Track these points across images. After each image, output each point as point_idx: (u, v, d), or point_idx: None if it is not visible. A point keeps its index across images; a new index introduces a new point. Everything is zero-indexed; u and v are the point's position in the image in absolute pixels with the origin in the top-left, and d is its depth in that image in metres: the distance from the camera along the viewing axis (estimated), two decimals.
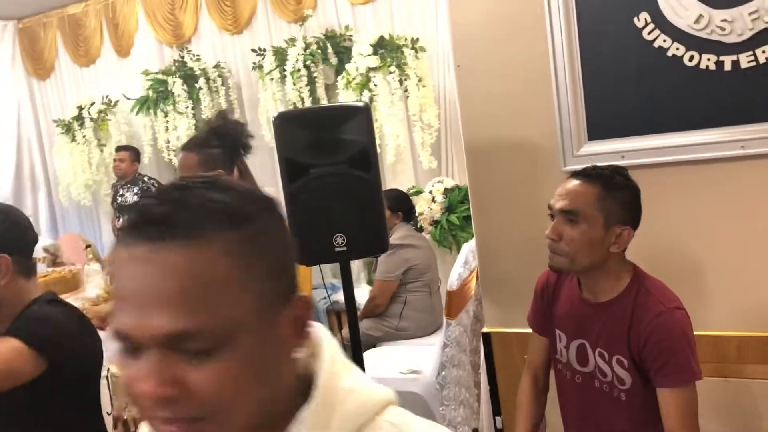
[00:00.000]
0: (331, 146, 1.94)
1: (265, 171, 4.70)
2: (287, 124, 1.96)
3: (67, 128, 6.06)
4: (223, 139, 2.44)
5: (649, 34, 2.10)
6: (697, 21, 2.01)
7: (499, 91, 2.34)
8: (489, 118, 2.37)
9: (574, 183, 1.64)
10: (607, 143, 2.21)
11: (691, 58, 2.04)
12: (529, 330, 1.98)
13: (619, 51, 2.15)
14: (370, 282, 4.61)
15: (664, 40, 2.07)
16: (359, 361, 2.25)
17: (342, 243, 1.96)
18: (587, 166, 1.71)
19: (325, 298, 4.83)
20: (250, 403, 0.63)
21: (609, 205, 1.59)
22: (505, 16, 2.29)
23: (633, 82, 2.15)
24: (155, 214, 0.61)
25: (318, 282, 4.83)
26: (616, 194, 1.61)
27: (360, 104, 2.04)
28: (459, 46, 2.38)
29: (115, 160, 5.49)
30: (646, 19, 2.09)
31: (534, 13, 2.23)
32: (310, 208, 1.96)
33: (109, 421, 1.66)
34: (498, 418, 2.54)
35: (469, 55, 2.36)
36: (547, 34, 2.22)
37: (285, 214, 1.97)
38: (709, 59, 2.02)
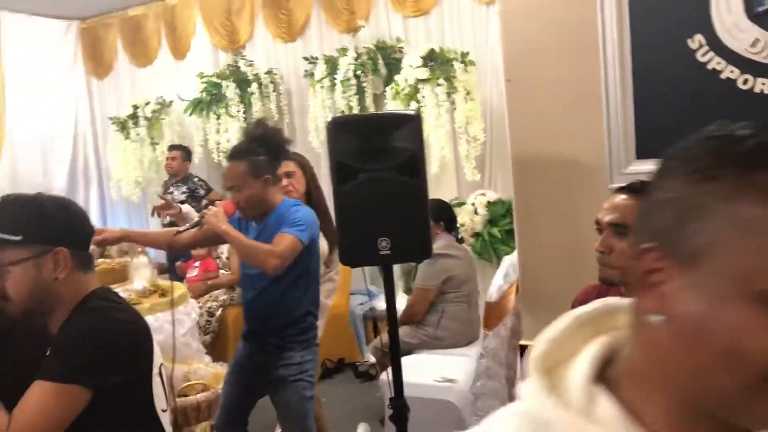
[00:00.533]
0: (381, 152, 1.99)
1: None
2: (340, 129, 2.02)
3: (122, 126, 6.26)
4: (266, 147, 2.56)
5: (703, 56, 2.10)
6: (753, 44, 2.01)
7: (549, 106, 2.36)
8: (537, 133, 2.40)
9: (622, 197, 1.67)
10: (655, 162, 2.21)
11: (745, 82, 2.04)
12: None
13: (671, 71, 2.16)
14: (407, 291, 4.64)
15: (718, 63, 2.08)
16: (397, 366, 2.27)
17: (386, 247, 2.00)
18: (634, 180, 1.73)
19: (362, 303, 4.89)
20: None
21: None
22: (557, 32, 2.32)
23: (684, 103, 2.15)
24: None
25: (356, 287, 4.90)
26: None
27: (411, 113, 2.09)
28: (510, 61, 2.41)
29: (167, 159, 5.66)
30: (700, 41, 2.10)
31: (587, 30, 2.25)
32: (357, 211, 2.01)
33: (165, 417, 1.66)
34: None
35: (520, 69, 2.39)
36: (599, 52, 2.24)
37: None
38: (764, 83, 2.02)
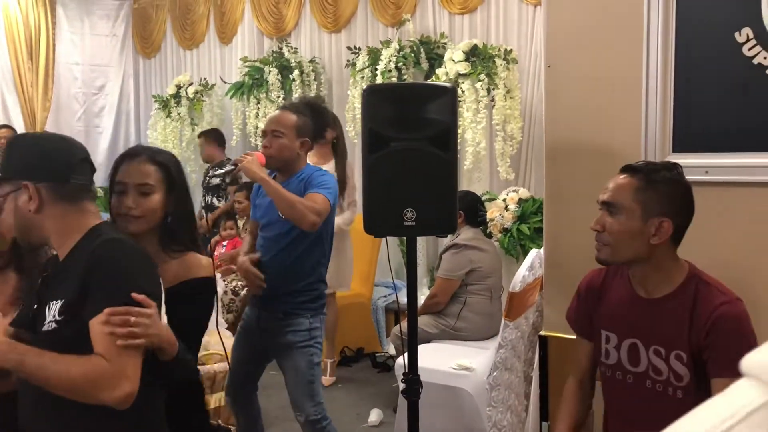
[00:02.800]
0: (414, 122, 1.98)
1: None
2: (375, 96, 2.02)
3: (164, 104, 6.37)
4: (315, 116, 2.65)
5: (750, 50, 2.06)
6: None
7: (587, 94, 2.33)
8: (573, 121, 2.37)
9: (620, 176, 1.70)
10: (691, 157, 2.17)
11: None
12: None
13: (715, 64, 2.12)
14: (431, 287, 4.63)
15: (765, 57, 2.03)
16: (413, 351, 2.26)
17: (411, 218, 2.00)
18: (640, 162, 1.75)
19: (385, 296, 4.88)
20: None
21: (647, 197, 1.64)
22: (601, 21, 2.29)
23: (727, 97, 2.11)
24: None
25: (381, 279, 4.90)
26: (657, 187, 1.65)
27: (447, 85, 2.08)
28: (551, 47, 2.39)
29: (200, 145, 5.74)
30: (748, 35, 2.06)
31: (631, 20, 2.22)
32: (385, 180, 2.01)
33: None
34: (545, 424, 2.50)
35: (561, 56, 2.37)
36: (642, 43, 2.21)
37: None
38: None
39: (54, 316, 1.49)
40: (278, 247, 2.55)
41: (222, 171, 2.64)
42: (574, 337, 2.29)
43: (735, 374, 1.58)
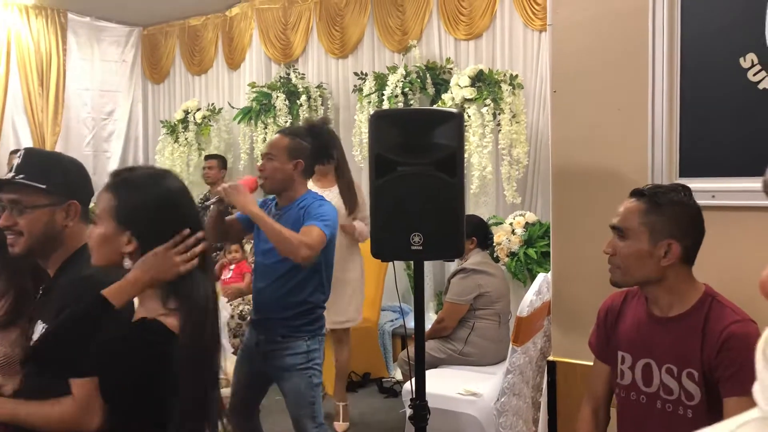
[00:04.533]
0: (421, 147, 2.00)
1: None
2: (382, 121, 2.03)
3: (172, 130, 6.42)
4: (314, 138, 2.67)
5: (755, 75, 2.07)
6: None
7: (593, 119, 2.34)
8: (580, 146, 2.38)
9: (629, 200, 1.75)
10: (698, 181, 2.17)
11: None
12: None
13: (721, 89, 2.13)
14: (438, 312, 4.61)
15: None
16: (421, 376, 2.24)
17: (419, 242, 2.00)
18: (648, 186, 1.79)
19: (392, 320, 4.86)
20: None
21: (653, 220, 1.67)
22: (606, 46, 2.31)
23: (733, 122, 2.11)
24: None
25: (387, 303, 4.88)
26: (663, 210, 1.68)
27: (454, 110, 2.10)
28: (557, 72, 2.41)
29: (204, 168, 5.74)
30: (753, 60, 2.07)
31: (636, 45, 2.24)
32: (392, 204, 2.02)
33: None
34: None
35: (567, 81, 2.39)
36: (647, 67, 2.22)
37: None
38: None
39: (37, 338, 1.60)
40: (275, 275, 2.57)
41: (208, 203, 2.66)
42: (583, 362, 2.27)
43: (746, 393, 1.57)
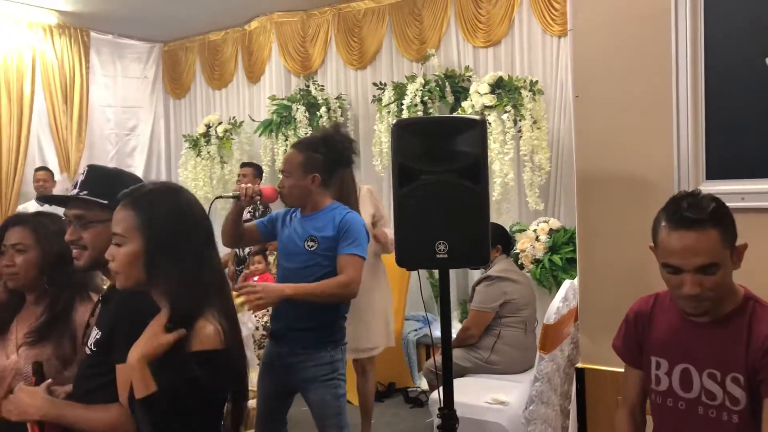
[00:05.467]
0: (444, 155, 1.98)
1: None
2: (404, 130, 2.02)
3: (194, 144, 6.48)
4: (328, 148, 2.66)
5: None
6: None
7: (617, 123, 2.32)
8: (604, 151, 2.36)
9: (692, 236, 1.59)
10: (726, 183, 2.15)
11: None
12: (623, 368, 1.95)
13: (746, 90, 2.10)
14: (462, 320, 4.59)
15: None
16: (449, 385, 2.23)
17: (444, 250, 1.99)
18: (684, 213, 1.63)
19: (416, 330, 4.85)
20: None
21: (727, 236, 1.62)
22: (628, 49, 2.29)
23: (760, 123, 2.09)
24: None
25: (411, 313, 4.87)
26: (726, 222, 1.63)
27: (477, 117, 2.09)
28: (579, 77, 2.39)
29: (239, 175, 5.76)
30: None
31: (659, 48, 2.22)
32: (416, 213, 2.01)
33: None
34: None
35: (589, 85, 2.37)
36: (671, 70, 2.20)
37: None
38: None
39: (91, 346, 1.64)
40: (299, 279, 2.56)
41: (224, 195, 2.69)
42: (611, 368, 2.25)
43: None
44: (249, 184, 2.60)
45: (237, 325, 1.53)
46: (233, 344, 1.47)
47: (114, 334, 1.56)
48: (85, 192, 1.74)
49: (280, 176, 2.72)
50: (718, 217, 1.61)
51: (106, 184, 1.75)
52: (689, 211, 1.61)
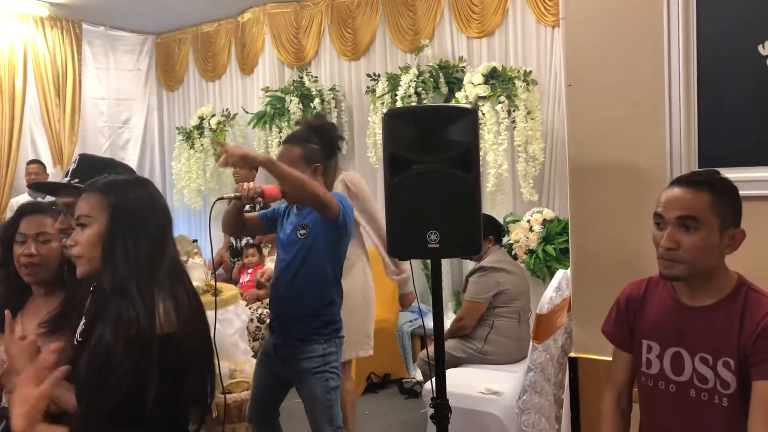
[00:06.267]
0: (436, 144, 1.98)
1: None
2: (396, 119, 2.01)
3: (188, 136, 6.46)
4: (322, 138, 2.65)
5: None
6: None
7: (609, 113, 2.32)
8: (596, 140, 2.35)
9: (683, 190, 1.64)
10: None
11: None
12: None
13: (739, 78, 2.10)
14: (456, 311, 4.59)
15: None
16: (441, 375, 2.23)
17: (435, 240, 1.98)
18: (687, 173, 1.73)
19: (410, 321, 4.85)
20: None
21: (722, 209, 1.62)
22: (621, 37, 2.28)
23: (752, 110, 2.08)
24: None
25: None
26: (726, 198, 1.64)
27: (468, 106, 2.08)
28: (571, 66, 2.38)
29: (234, 171, 5.74)
30: None
31: (652, 35, 2.21)
32: (408, 203, 2.00)
33: None
34: None
35: (582, 74, 2.36)
36: (663, 57, 2.19)
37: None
38: None
39: (78, 336, 1.64)
40: (291, 267, 2.56)
41: (225, 197, 2.62)
42: (604, 358, 2.25)
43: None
44: (251, 184, 2.51)
45: (189, 311, 1.52)
46: (176, 330, 1.46)
47: (95, 325, 1.54)
48: (76, 180, 1.73)
49: None
50: (715, 185, 1.64)
51: (97, 173, 1.73)
52: (692, 175, 1.70)
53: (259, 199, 2.54)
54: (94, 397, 1.41)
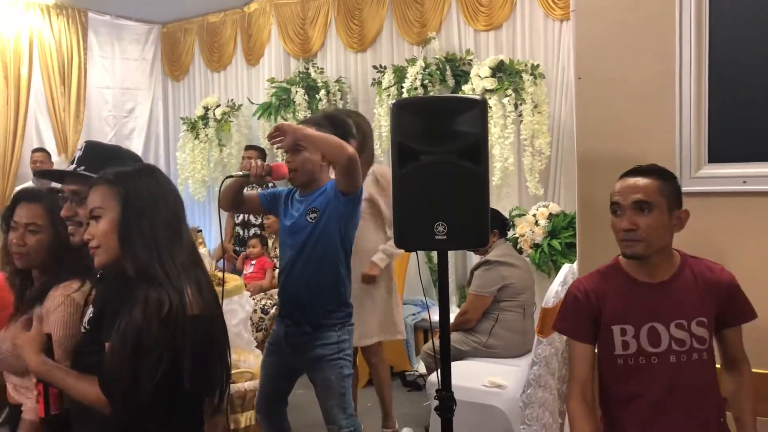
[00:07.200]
0: (444, 136, 1.96)
1: None
2: (404, 110, 1.99)
3: (192, 126, 6.44)
4: (334, 125, 2.67)
5: None
6: None
7: (619, 106, 2.31)
8: (605, 133, 2.34)
9: (635, 179, 1.89)
10: (728, 167, 2.13)
11: None
12: None
13: (751, 72, 2.09)
14: (461, 305, 4.58)
15: None
16: (447, 367, 2.21)
17: (443, 232, 1.97)
18: (635, 166, 1.95)
19: (414, 314, 4.84)
20: None
21: (668, 192, 1.87)
22: (632, 31, 2.27)
23: (764, 106, 2.07)
24: None
25: (410, 297, 4.86)
26: (670, 183, 1.89)
27: (477, 97, 2.05)
28: (581, 58, 2.37)
29: (243, 158, 5.72)
30: None
31: (663, 28, 2.20)
32: (415, 194, 1.98)
33: None
34: None
35: (591, 67, 2.35)
36: (675, 51, 2.18)
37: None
38: None
39: (86, 324, 1.64)
40: (303, 252, 2.56)
41: (234, 174, 2.64)
42: None
43: (744, 321, 1.90)
44: (258, 161, 2.55)
45: (210, 295, 1.57)
46: (203, 312, 1.51)
47: (103, 313, 1.55)
48: (82, 168, 1.72)
49: (279, 158, 2.71)
50: (661, 173, 1.89)
51: (103, 160, 1.73)
52: (639, 167, 1.94)
53: (268, 177, 2.55)
54: (129, 381, 1.43)
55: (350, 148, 2.40)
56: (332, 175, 2.82)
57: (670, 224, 1.88)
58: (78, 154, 1.79)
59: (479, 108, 1.97)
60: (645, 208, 1.85)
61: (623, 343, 1.91)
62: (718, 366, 1.95)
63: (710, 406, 1.89)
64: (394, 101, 2.05)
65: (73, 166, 1.75)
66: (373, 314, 3.37)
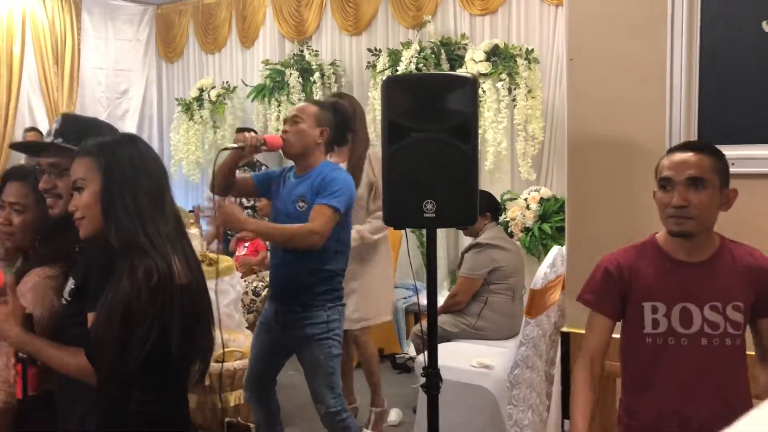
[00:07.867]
0: (434, 113, 1.97)
1: None
2: (394, 87, 2.00)
3: (187, 108, 6.42)
4: (336, 112, 2.73)
5: None
6: None
7: (610, 88, 2.31)
8: (597, 114, 2.34)
9: (687, 154, 1.80)
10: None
11: None
12: None
13: (742, 57, 2.09)
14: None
15: None
16: (433, 350, 2.23)
17: (431, 209, 1.98)
18: (682, 142, 1.91)
19: (405, 298, 4.86)
20: None
21: (720, 170, 1.80)
22: (624, 13, 2.27)
23: (754, 88, 2.08)
24: None
25: (401, 282, 4.88)
26: (722, 161, 1.82)
27: (468, 75, 2.06)
28: (574, 40, 2.37)
29: (235, 141, 5.72)
30: None
31: (655, 11, 2.20)
32: (405, 171, 2.00)
33: None
34: (567, 421, 2.46)
35: (584, 49, 2.35)
36: (667, 33, 2.18)
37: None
38: None
39: (67, 296, 1.62)
40: (292, 256, 2.57)
41: (229, 147, 2.63)
42: None
43: None
44: (252, 134, 2.57)
45: (196, 265, 1.59)
46: (190, 282, 1.53)
47: (86, 284, 1.55)
48: (59, 140, 1.71)
49: (279, 131, 2.76)
50: (713, 150, 1.82)
51: (80, 132, 1.72)
52: (689, 143, 1.89)
53: (264, 147, 2.56)
54: (118, 351, 1.44)
55: (313, 239, 2.45)
56: (329, 158, 2.83)
57: (719, 203, 1.81)
58: (55, 126, 1.78)
59: (470, 86, 1.98)
60: (699, 184, 1.76)
61: (653, 321, 1.85)
62: (750, 353, 1.87)
63: (738, 396, 1.81)
64: (385, 78, 2.05)
65: (51, 138, 1.74)
66: (366, 296, 3.34)
